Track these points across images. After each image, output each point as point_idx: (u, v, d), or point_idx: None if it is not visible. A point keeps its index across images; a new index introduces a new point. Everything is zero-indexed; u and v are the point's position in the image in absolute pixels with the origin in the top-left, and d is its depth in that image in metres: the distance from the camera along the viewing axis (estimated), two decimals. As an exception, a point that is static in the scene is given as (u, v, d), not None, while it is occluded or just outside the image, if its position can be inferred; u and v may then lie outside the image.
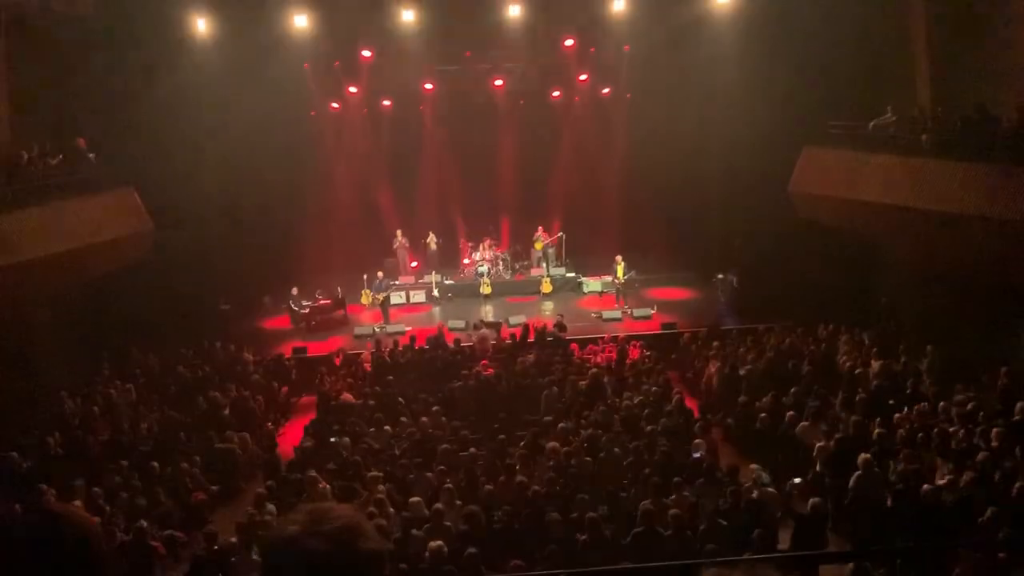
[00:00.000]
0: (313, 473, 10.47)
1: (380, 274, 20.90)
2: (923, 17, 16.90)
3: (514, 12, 17.81)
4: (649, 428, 11.74)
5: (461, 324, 18.95)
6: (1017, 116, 13.61)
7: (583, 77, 23.07)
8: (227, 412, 14.15)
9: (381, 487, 9.76)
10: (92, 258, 16.60)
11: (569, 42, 20.87)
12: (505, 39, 19.19)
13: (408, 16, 17.69)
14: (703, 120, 20.90)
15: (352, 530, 1.87)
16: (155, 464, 11.65)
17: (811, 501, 9.21)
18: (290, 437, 14.24)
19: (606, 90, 23.51)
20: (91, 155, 17.42)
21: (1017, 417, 11.10)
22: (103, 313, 17.49)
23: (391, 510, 9.25)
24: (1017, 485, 8.82)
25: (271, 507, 9.64)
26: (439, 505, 9.12)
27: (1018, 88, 14.82)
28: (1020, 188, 12.87)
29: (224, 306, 20.25)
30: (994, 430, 10.49)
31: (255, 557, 8.38)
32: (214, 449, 12.65)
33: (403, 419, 12.94)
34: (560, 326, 17.63)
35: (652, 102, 21.98)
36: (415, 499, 9.38)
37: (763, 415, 12.35)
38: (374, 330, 19.12)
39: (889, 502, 9.34)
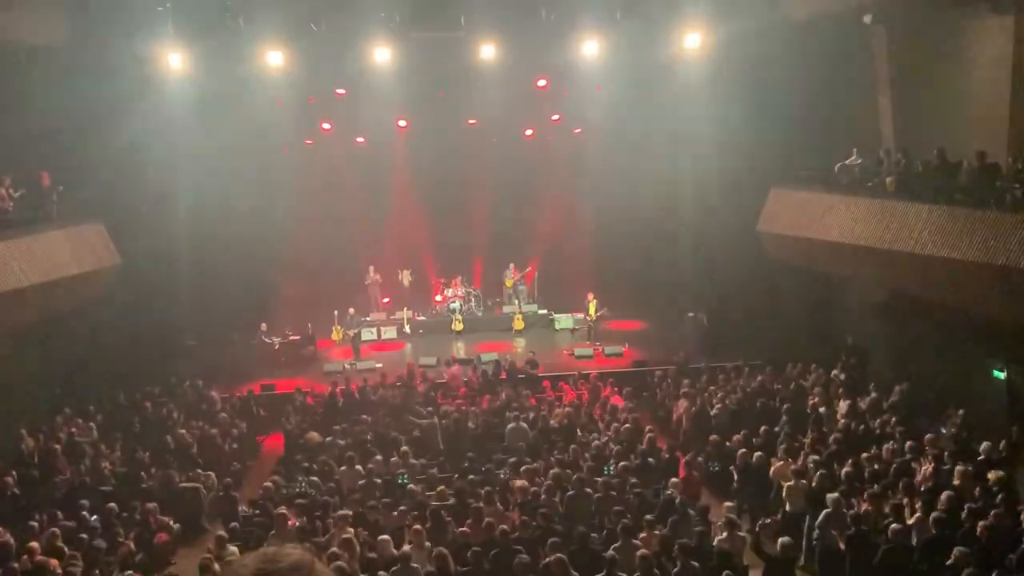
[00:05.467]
0: (282, 510, 10.29)
1: (351, 310, 20.79)
2: (887, 62, 17.34)
3: (487, 53, 18.03)
4: (620, 466, 11.70)
5: (432, 361, 18.85)
6: (977, 161, 13.94)
7: (555, 117, 23.35)
8: (193, 451, 13.91)
9: (349, 529, 9.59)
10: (56, 293, 16.32)
11: (542, 82, 21.14)
12: (479, 78, 19.38)
13: (383, 55, 17.82)
14: (674, 160, 21.20)
15: (305, 565, 1.96)
16: (115, 505, 11.36)
17: (780, 541, 9.20)
18: (257, 476, 13.99)
19: (578, 129, 23.78)
20: (59, 188, 17.24)
21: (982, 456, 11.24)
22: (67, 349, 17.18)
23: (357, 550, 9.08)
24: (982, 524, 8.90)
25: (232, 548, 9.43)
26: (407, 547, 8.98)
27: (978, 133, 15.21)
28: (979, 230, 13.15)
29: (191, 342, 20.00)
30: (958, 468, 10.59)
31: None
32: (178, 488, 12.39)
33: (373, 458, 12.78)
34: (532, 363, 17.62)
35: (623, 142, 22.26)
36: (383, 538, 9.24)
37: (734, 453, 12.38)
38: (344, 367, 18.96)
39: (856, 541, 9.36)
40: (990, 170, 13.76)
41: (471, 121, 22.89)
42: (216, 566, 8.82)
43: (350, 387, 16.41)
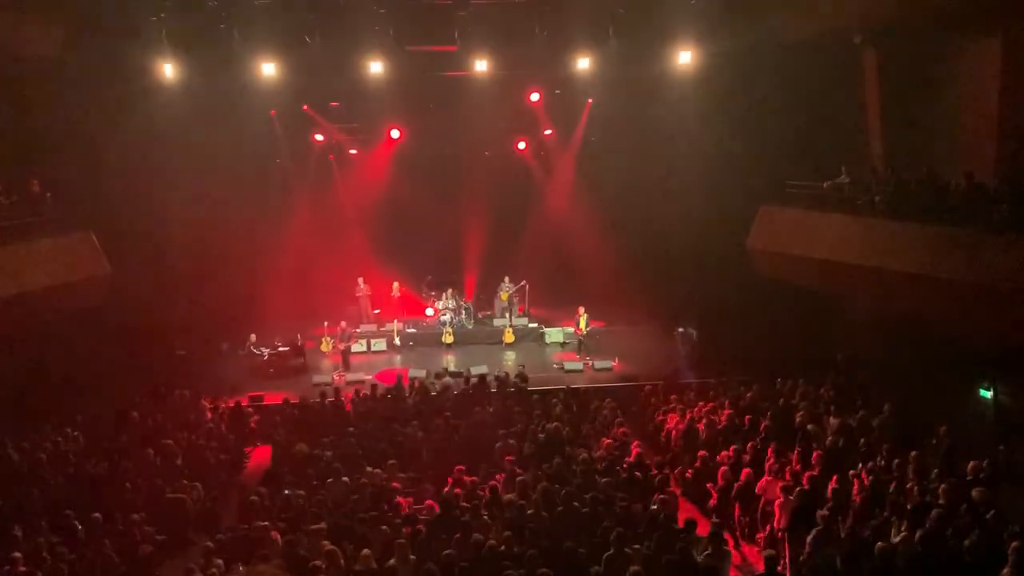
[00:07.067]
0: (266, 523, 10.25)
1: (343, 324, 20.79)
2: (876, 81, 17.52)
3: (481, 67, 18.14)
4: (607, 481, 11.70)
5: (422, 373, 18.83)
6: (965, 180, 14.07)
7: (548, 131, 23.48)
8: (179, 461, 13.83)
9: (326, 541, 9.53)
10: (45, 302, 16.28)
11: (535, 96, 21.25)
12: (472, 91, 19.50)
13: (376, 67, 17.91)
14: (664, 176, 21.33)
15: None
16: (99, 515, 11.28)
17: (765, 554, 9.23)
18: (244, 488, 13.90)
19: (569, 143, 23.92)
20: (48, 195, 17.24)
21: (969, 475, 11.27)
22: (55, 358, 17.10)
23: (341, 563, 9.04)
24: (966, 542, 8.93)
25: (219, 562, 9.37)
26: (392, 561, 8.94)
27: (967, 153, 15.37)
28: (966, 250, 13.26)
29: (180, 351, 19.94)
30: (942, 486, 10.63)
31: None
32: (164, 499, 12.32)
33: (361, 470, 12.73)
34: (522, 376, 17.61)
35: (615, 157, 22.42)
36: (365, 552, 9.20)
37: (721, 470, 12.40)
38: (333, 378, 18.92)
39: (843, 559, 9.36)
40: (977, 190, 13.89)
41: (464, 133, 22.97)
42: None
43: (339, 399, 16.37)
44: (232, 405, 16.80)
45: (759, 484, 11.88)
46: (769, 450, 12.85)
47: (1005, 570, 8.41)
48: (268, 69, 17.59)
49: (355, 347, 20.96)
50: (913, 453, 12.05)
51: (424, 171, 23.61)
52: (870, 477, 11.68)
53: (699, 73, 18.32)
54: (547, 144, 24.35)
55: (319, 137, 23.04)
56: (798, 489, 11.16)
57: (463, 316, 22.69)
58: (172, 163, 19.18)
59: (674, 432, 14.80)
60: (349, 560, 9.31)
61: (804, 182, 18.47)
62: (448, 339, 21.64)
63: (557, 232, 24.11)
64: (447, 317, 22.10)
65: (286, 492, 11.93)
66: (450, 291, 22.79)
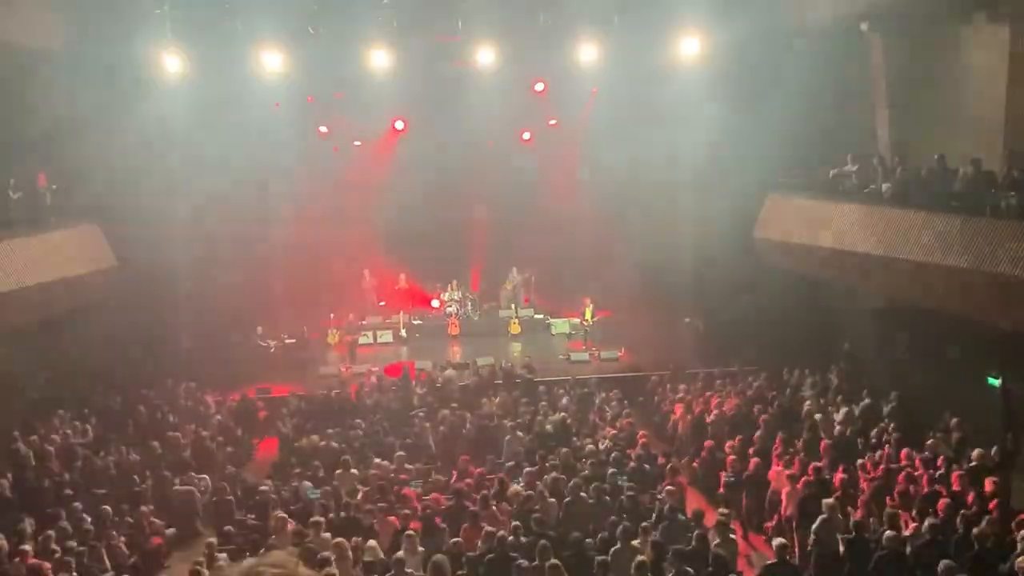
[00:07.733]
0: (280, 514, 10.28)
1: (350, 316, 20.82)
2: (883, 70, 17.40)
3: (485, 57, 18.07)
4: (613, 472, 11.70)
5: (428, 365, 18.84)
6: (972, 168, 13.97)
7: (552, 121, 23.36)
8: (187, 454, 13.88)
9: (327, 533, 9.55)
10: (52, 295, 16.29)
11: (539, 86, 21.15)
12: (475, 82, 19.43)
13: (380, 58, 17.86)
14: (670, 165, 21.22)
15: (287, 565, 2.14)
16: (109, 508, 11.32)
17: (775, 543, 9.23)
18: (251, 480, 13.94)
19: (575, 132, 23.80)
20: (53, 187, 17.25)
21: (974, 463, 11.24)
22: (62, 351, 17.15)
23: (349, 555, 9.06)
24: (975, 531, 8.92)
25: (223, 555, 9.39)
26: (400, 552, 8.96)
27: (973, 141, 15.25)
28: (974, 238, 13.18)
29: (187, 345, 19.96)
30: (953, 474, 10.61)
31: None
32: (172, 491, 12.37)
33: (369, 461, 12.76)
34: (529, 368, 17.61)
35: (621, 147, 22.28)
36: (372, 543, 9.22)
37: (729, 459, 12.39)
38: (339, 370, 18.94)
39: (851, 548, 9.36)
40: (985, 178, 13.79)
41: (469, 123, 22.87)
42: (206, 573, 8.79)
43: (345, 391, 16.40)
44: (239, 397, 16.85)
45: (767, 474, 11.88)
46: (776, 440, 12.85)
47: (1021, 558, 8.37)
48: (272, 60, 17.54)
49: (361, 339, 20.97)
50: (929, 442, 12.03)
51: (428, 162, 23.50)
52: (878, 466, 11.68)
53: (704, 61, 18.20)
54: (552, 133, 24.22)
55: (323, 128, 22.98)
56: (805, 479, 11.16)
57: (469, 307, 22.68)
58: (177, 155, 19.16)
59: (681, 422, 14.79)
60: (357, 551, 9.33)
61: (811, 171, 18.37)
62: (454, 330, 21.63)
63: (562, 222, 24.00)
64: (452, 308, 22.09)
65: (294, 484, 11.97)
66: (455, 282, 22.76)
